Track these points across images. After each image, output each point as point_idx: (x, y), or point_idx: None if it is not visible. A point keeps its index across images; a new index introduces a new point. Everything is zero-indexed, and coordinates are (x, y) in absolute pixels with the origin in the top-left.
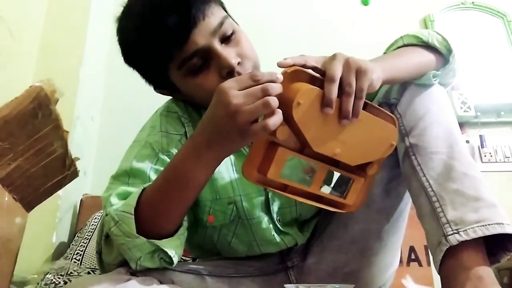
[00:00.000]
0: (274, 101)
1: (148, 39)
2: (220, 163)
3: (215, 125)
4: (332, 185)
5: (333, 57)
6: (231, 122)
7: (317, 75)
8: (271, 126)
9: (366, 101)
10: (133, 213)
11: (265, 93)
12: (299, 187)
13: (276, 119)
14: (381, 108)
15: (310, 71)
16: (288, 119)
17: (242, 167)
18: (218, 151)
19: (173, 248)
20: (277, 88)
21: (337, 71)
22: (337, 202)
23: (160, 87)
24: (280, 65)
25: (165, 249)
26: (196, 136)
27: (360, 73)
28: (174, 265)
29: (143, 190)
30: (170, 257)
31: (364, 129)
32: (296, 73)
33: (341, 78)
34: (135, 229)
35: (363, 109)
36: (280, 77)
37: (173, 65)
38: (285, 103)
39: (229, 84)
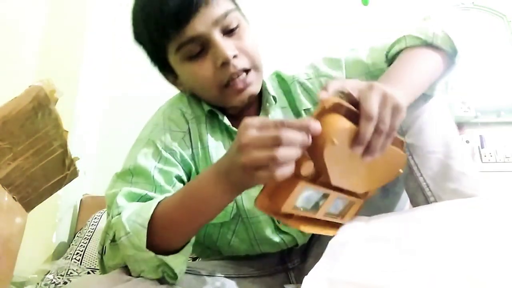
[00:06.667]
0: (284, 156)
1: (149, 17)
2: (237, 195)
3: (227, 155)
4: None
5: (370, 87)
6: (237, 158)
7: (353, 108)
8: (277, 178)
9: None
10: (146, 226)
11: (276, 142)
12: (305, 214)
13: (286, 171)
14: None
15: (346, 103)
16: (314, 152)
17: (256, 197)
18: (233, 184)
19: (179, 264)
20: (299, 139)
21: (375, 109)
22: (334, 223)
23: (163, 70)
24: (322, 100)
25: (171, 266)
26: (220, 164)
27: (395, 110)
28: (177, 281)
29: (158, 203)
30: (174, 273)
31: (378, 159)
32: (333, 106)
33: None
34: (145, 243)
35: None
36: (314, 127)
37: (172, 47)
38: (317, 136)
39: (253, 121)
